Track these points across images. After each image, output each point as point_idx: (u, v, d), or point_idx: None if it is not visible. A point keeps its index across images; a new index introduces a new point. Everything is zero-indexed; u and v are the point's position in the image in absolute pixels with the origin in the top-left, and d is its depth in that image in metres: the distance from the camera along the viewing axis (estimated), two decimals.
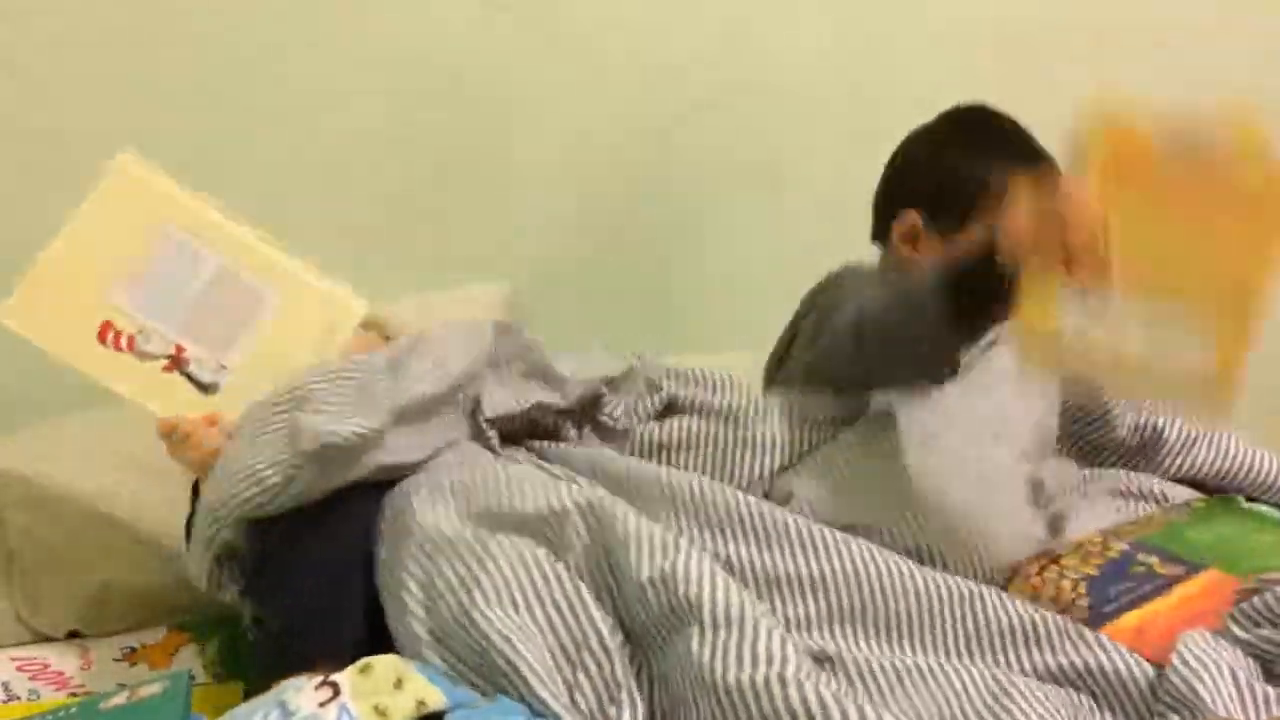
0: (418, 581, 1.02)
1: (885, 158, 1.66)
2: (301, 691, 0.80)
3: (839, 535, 1.07)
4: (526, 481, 1.10)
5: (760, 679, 0.85)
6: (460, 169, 1.75)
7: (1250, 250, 0.87)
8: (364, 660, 0.85)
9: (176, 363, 1.25)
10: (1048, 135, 1.23)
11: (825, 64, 1.82)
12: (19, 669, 1.35)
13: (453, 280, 1.74)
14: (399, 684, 0.86)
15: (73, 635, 1.42)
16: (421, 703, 0.86)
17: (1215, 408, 0.92)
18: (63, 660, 1.37)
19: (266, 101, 1.66)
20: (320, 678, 0.82)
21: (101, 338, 1.24)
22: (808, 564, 1.05)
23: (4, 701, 1.28)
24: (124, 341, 1.25)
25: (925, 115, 1.84)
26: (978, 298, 1.03)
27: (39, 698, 1.28)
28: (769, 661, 0.87)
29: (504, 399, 1.27)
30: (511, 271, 1.79)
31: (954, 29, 1.85)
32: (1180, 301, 0.87)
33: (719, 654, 0.88)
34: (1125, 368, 0.90)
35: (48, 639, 1.42)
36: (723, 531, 1.08)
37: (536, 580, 0.99)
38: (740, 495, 1.10)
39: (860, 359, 1.17)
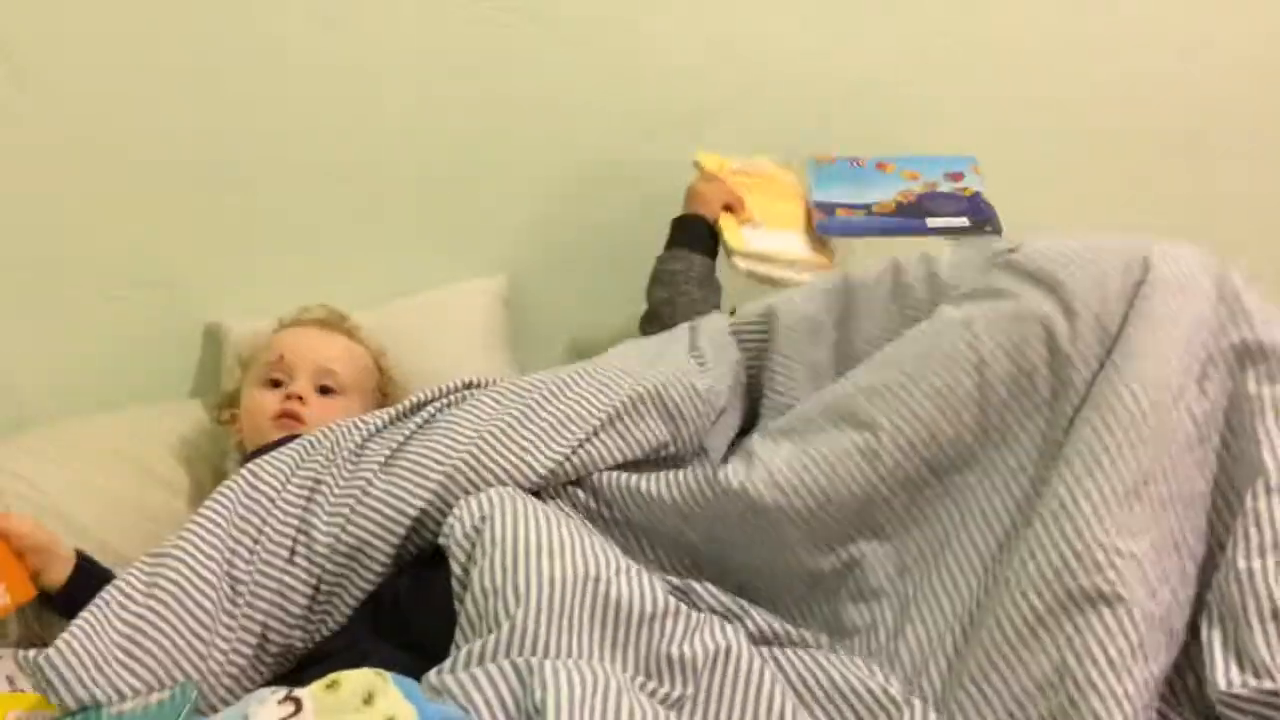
0: None
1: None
2: (265, 705, 0.80)
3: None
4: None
5: None
6: (461, 167, 1.76)
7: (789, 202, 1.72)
8: (332, 675, 0.85)
9: None
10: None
11: (828, 64, 1.82)
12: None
13: (450, 275, 1.77)
14: (369, 699, 0.86)
15: None
16: (391, 719, 0.86)
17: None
18: None
19: (266, 101, 1.66)
20: (284, 692, 0.82)
21: None
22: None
23: (10, 691, 1.29)
24: None
25: (929, 114, 1.85)
26: (699, 236, 1.64)
27: None
28: None
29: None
30: (511, 269, 1.80)
31: (955, 32, 1.85)
32: (778, 226, 1.68)
33: None
34: (773, 259, 1.63)
35: None
36: None
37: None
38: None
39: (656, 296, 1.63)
